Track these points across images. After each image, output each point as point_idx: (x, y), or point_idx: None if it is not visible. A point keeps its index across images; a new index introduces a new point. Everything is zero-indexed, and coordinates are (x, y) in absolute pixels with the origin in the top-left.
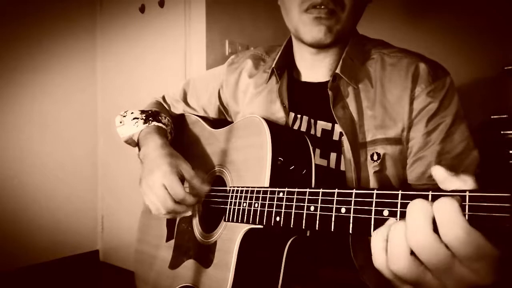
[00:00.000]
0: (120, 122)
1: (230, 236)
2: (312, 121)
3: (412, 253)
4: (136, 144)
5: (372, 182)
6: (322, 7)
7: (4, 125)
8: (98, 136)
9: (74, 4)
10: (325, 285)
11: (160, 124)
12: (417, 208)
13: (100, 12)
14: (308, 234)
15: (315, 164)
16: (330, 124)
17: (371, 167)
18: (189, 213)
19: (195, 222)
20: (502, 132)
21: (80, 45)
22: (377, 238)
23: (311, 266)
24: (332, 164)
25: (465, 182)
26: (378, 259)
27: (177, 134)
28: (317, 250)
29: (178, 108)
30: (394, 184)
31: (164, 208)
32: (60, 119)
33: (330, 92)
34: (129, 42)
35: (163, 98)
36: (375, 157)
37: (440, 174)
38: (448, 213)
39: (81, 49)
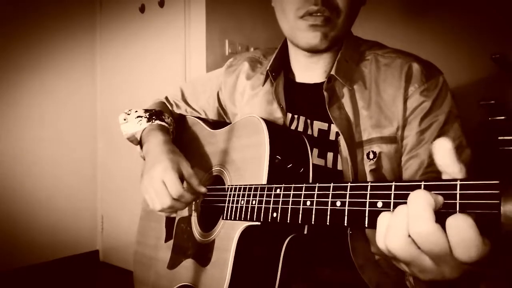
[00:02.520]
0: (124, 120)
1: (228, 234)
2: (309, 121)
3: (409, 235)
4: (138, 142)
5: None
6: (318, 14)
7: (3, 125)
8: (97, 136)
9: (74, 4)
10: (323, 284)
11: (163, 123)
12: (421, 198)
13: (100, 12)
14: (305, 232)
15: (313, 164)
16: (326, 124)
17: (368, 166)
18: (185, 212)
19: (194, 221)
20: (490, 118)
21: (80, 45)
22: (383, 218)
23: (309, 264)
24: (329, 164)
25: (461, 171)
26: (380, 237)
27: (177, 135)
28: (315, 248)
29: (181, 107)
30: None
31: (161, 203)
32: (59, 119)
33: (325, 93)
34: (129, 42)
35: (166, 98)
36: (371, 156)
37: (445, 148)
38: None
39: (81, 49)
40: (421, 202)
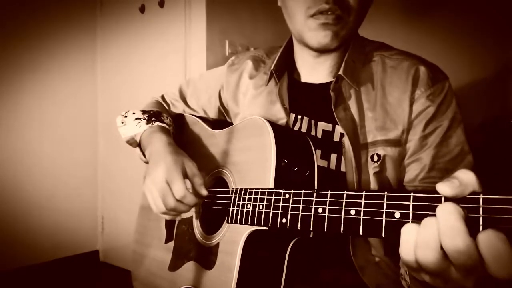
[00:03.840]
0: (122, 123)
1: (233, 238)
2: (313, 122)
3: (441, 247)
4: (138, 144)
5: (372, 183)
6: (329, 13)
7: (4, 126)
8: (98, 136)
9: (74, 4)
10: (325, 285)
11: (163, 124)
12: (453, 211)
13: (100, 12)
14: (311, 235)
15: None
16: (330, 125)
17: (371, 168)
18: (188, 214)
19: (196, 223)
20: None
21: (80, 45)
22: (410, 229)
23: (311, 266)
24: (333, 165)
25: (473, 184)
26: (407, 249)
27: (177, 135)
28: (318, 251)
29: (178, 107)
30: (393, 186)
31: (164, 204)
32: (60, 119)
33: (332, 93)
34: (129, 42)
35: (162, 97)
36: (375, 158)
37: (446, 192)
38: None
39: (81, 49)
40: (454, 215)
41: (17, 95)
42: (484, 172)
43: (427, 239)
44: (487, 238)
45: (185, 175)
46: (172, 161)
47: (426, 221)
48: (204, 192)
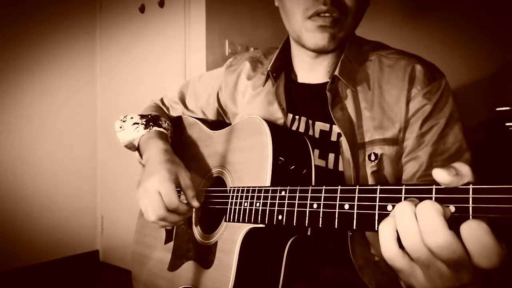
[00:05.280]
0: (120, 127)
1: (231, 236)
2: (310, 122)
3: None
4: (136, 148)
5: (370, 182)
6: (327, 15)
7: (4, 125)
8: (97, 136)
9: (74, 4)
10: (325, 284)
11: (161, 129)
12: (432, 209)
13: (100, 12)
14: (309, 233)
15: (315, 165)
16: (328, 125)
17: (369, 167)
18: (180, 223)
19: (195, 223)
20: (506, 124)
21: (80, 45)
22: (386, 230)
23: (311, 266)
24: (331, 165)
25: (468, 177)
26: (389, 249)
27: (175, 136)
28: (317, 250)
29: (177, 109)
30: None
31: (156, 215)
32: (60, 119)
33: (328, 94)
34: (129, 42)
35: (161, 100)
36: (373, 157)
37: (443, 178)
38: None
39: (81, 49)
40: (433, 214)
41: (17, 95)
42: (483, 170)
43: (409, 240)
44: (469, 228)
45: (178, 186)
46: (166, 171)
47: (401, 217)
48: (196, 204)
